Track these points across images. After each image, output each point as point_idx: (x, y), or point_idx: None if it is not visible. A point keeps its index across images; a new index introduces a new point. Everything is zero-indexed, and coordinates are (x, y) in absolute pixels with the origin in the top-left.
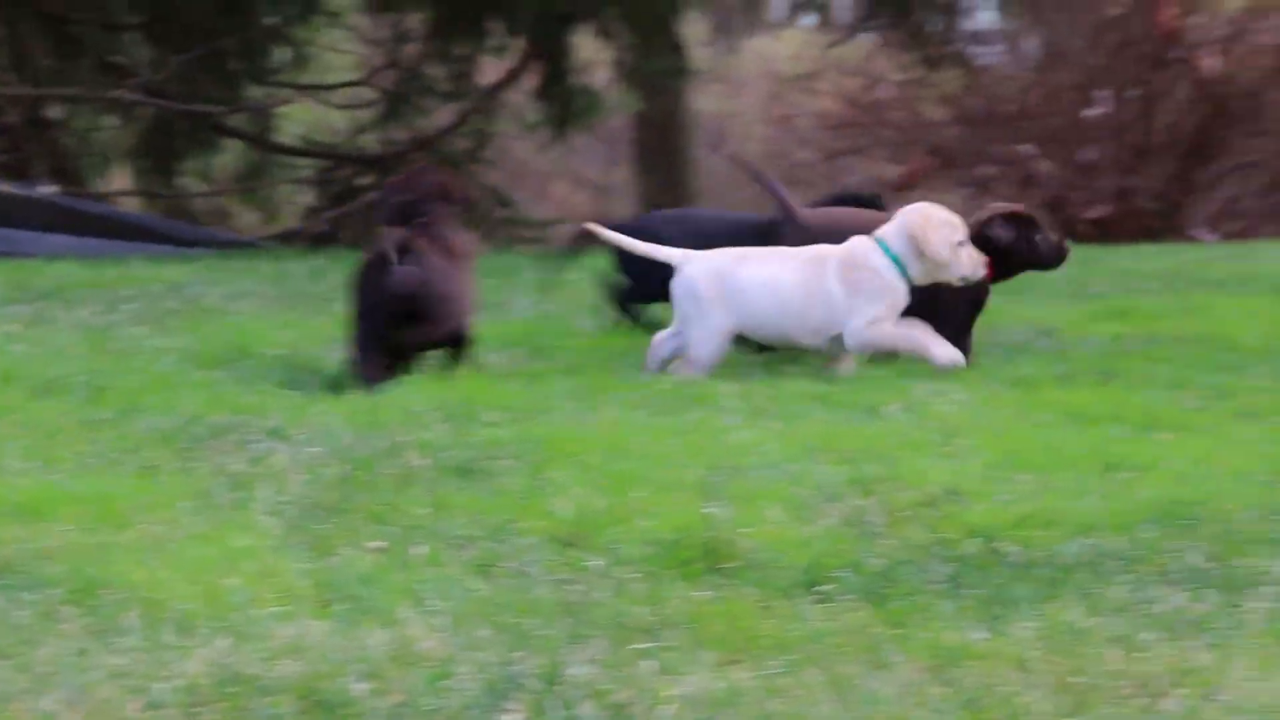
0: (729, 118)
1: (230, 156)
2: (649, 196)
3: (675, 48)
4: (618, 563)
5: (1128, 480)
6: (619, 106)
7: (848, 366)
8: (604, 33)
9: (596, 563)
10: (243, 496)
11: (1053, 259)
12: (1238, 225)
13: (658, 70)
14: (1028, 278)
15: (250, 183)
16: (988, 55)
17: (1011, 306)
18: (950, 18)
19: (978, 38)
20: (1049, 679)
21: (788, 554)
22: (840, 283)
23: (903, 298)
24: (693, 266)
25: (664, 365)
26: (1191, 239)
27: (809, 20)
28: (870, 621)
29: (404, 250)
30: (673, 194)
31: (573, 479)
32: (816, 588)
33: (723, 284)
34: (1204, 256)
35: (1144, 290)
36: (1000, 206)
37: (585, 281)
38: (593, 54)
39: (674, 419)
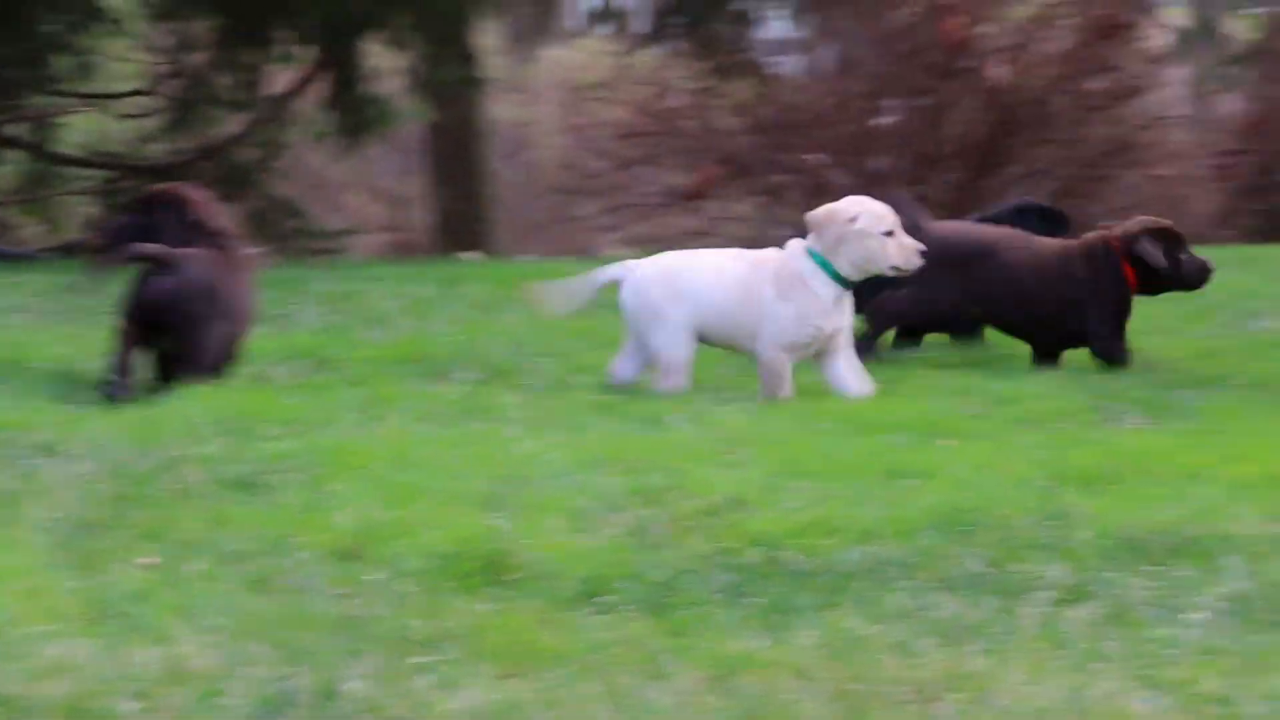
0: (526, 126)
1: (10, 167)
2: (446, 206)
3: (468, 57)
4: (398, 576)
5: (909, 488)
6: (412, 116)
7: (856, 376)
8: (395, 42)
9: (376, 576)
10: (10, 514)
11: (1195, 279)
12: None
13: (450, 79)
14: None
15: (31, 193)
16: (781, 64)
17: None
18: (742, 27)
19: (770, 47)
20: (827, 687)
21: (569, 565)
22: (773, 286)
23: (831, 308)
24: (641, 271)
25: (635, 367)
26: None
27: (605, 30)
28: (650, 632)
29: (165, 262)
30: (470, 204)
31: (355, 492)
32: (597, 599)
33: (674, 283)
34: None
35: None
36: (1148, 221)
37: (374, 293)
38: (384, 63)
39: (459, 430)
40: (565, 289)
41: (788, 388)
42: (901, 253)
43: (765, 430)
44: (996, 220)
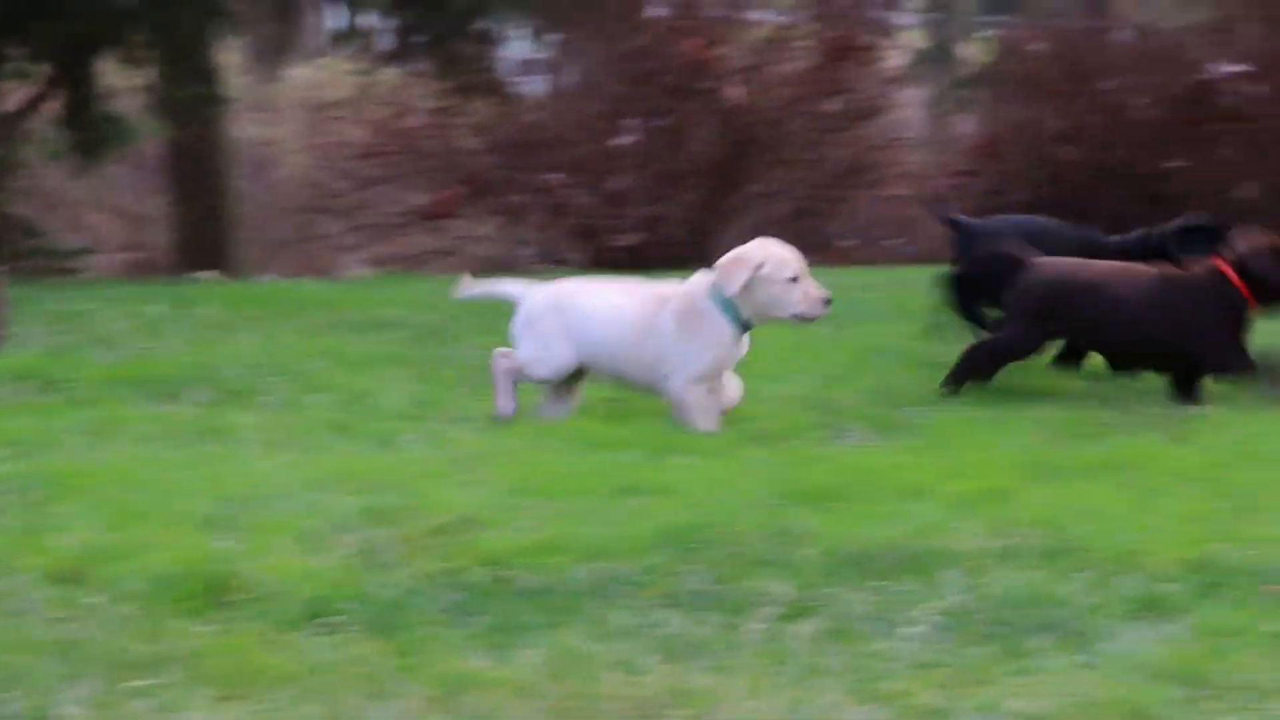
0: (270, 146)
1: None
2: (187, 225)
3: (207, 75)
4: (119, 599)
5: (639, 506)
6: (150, 134)
7: (733, 392)
8: (131, 59)
9: (96, 599)
10: None
11: None
12: None
13: (189, 98)
14: None
15: None
16: (522, 84)
17: None
18: (484, 46)
19: (513, 67)
20: (549, 704)
21: (295, 586)
22: (674, 322)
23: (730, 345)
24: (534, 297)
25: (562, 392)
26: None
27: (348, 48)
28: (376, 652)
29: None
30: (212, 223)
31: (78, 514)
32: (323, 619)
33: (564, 315)
34: None
35: None
36: (1263, 239)
37: (105, 313)
38: (121, 80)
39: (190, 452)
40: (472, 287)
41: (710, 419)
42: (806, 300)
43: (499, 449)
44: (1163, 239)
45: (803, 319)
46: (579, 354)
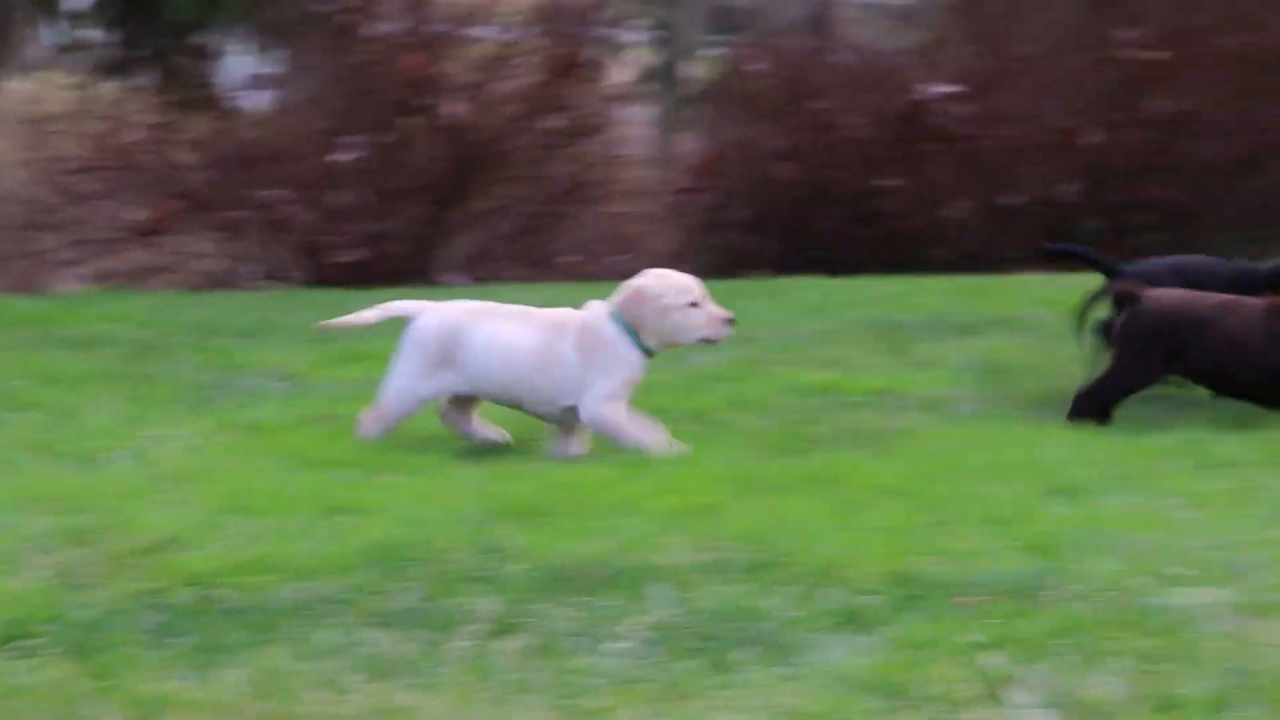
0: None
1: None
2: None
3: None
4: None
5: (349, 524)
6: None
7: (580, 447)
8: None
9: None
10: None
11: None
12: (488, 268)
13: None
14: (271, 320)
15: None
16: (243, 99)
17: (251, 351)
18: (204, 62)
19: (234, 82)
20: None
21: None
22: (575, 351)
23: (637, 371)
24: (430, 316)
25: (471, 418)
26: (442, 283)
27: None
28: (72, 675)
29: None
30: None
31: None
32: (17, 643)
33: (454, 341)
34: (446, 299)
35: (382, 334)
36: None
37: None
38: None
39: None
40: (358, 315)
41: (645, 431)
42: (710, 324)
43: (207, 468)
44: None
45: (707, 342)
46: (467, 382)
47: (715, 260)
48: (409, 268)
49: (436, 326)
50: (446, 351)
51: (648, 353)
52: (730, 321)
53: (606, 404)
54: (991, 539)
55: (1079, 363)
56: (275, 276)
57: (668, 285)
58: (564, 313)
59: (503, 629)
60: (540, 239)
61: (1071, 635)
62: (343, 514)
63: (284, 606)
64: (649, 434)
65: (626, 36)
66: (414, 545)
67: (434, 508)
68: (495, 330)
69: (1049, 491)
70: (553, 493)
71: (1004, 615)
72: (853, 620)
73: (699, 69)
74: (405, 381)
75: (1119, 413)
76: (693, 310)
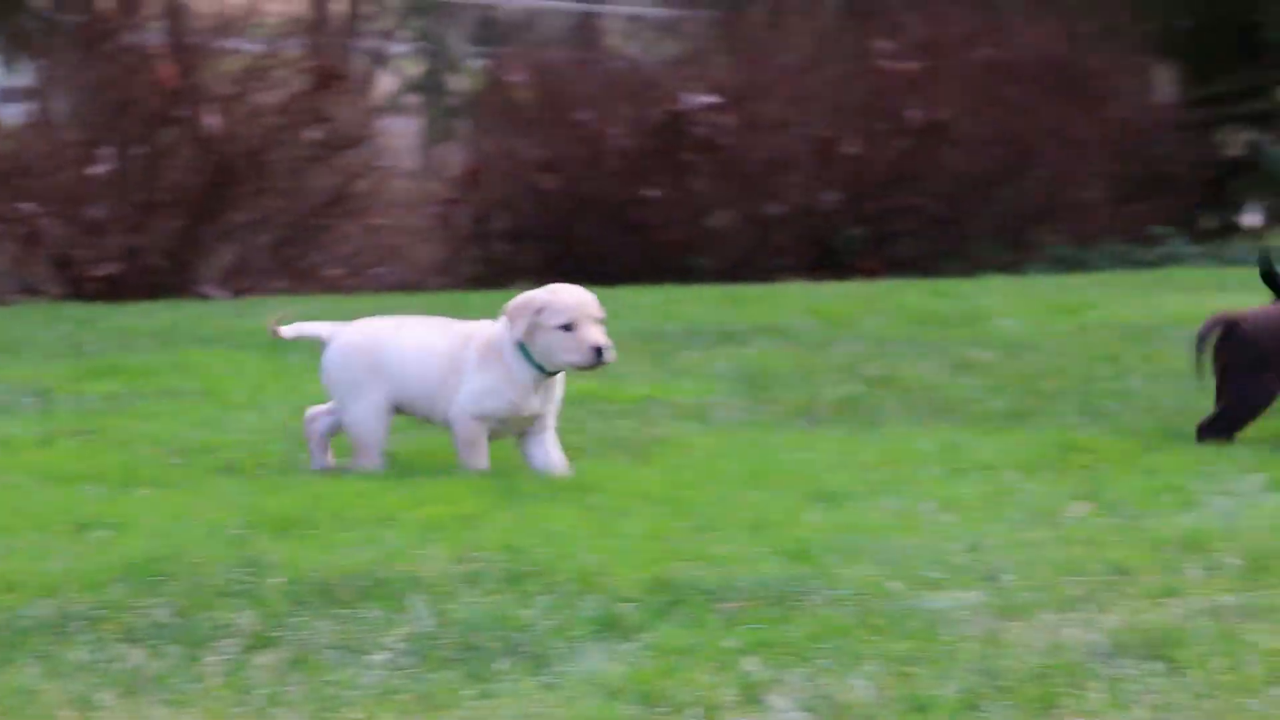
0: None
1: None
2: None
3: None
4: None
5: (100, 539)
6: None
7: (558, 455)
8: None
9: None
10: None
11: None
12: (248, 282)
13: None
14: (24, 335)
15: None
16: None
17: (1, 366)
18: None
19: None
20: None
21: None
22: (476, 358)
23: (529, 389)
24: (345, 336)
25: (325, 442)
26: (201, 296)
27: None
28: None
29: None
30: None
31: None
32: None
33: (377, 354)
34: (203, 313)
35: (138, 347)
36: None
37: None
38: None
39: None
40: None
41: (483, 458)
42: (579, 349)
43: None
44: None
45: (575, 368)
46: (394, 397)
47: (480, 271)
48: (167, 281)
49: (356, 344)
50: (371, 367)
51: (544, 371)
52: (600, 351)
53: (473, 422)
54: (752, 545)
55: (838, 371)
56: (30, 290)
57: (549, 301)
58: (478, 324)
59: (260, 643)
60: (301, 251)
61: (829, 639)
62: (94, 529)
63: (31, 624)
64: (482, 461)
65: (391, 48)
66: (168, 560)
67: (190, 522)
68: (410, 343)
69: (809, 497)
70: (311, 505)
71: (764, 620)
72: (612, 628)
73: (464, 80)
74: (357, 406)
75: (879, 419)
76: (562, 333)
